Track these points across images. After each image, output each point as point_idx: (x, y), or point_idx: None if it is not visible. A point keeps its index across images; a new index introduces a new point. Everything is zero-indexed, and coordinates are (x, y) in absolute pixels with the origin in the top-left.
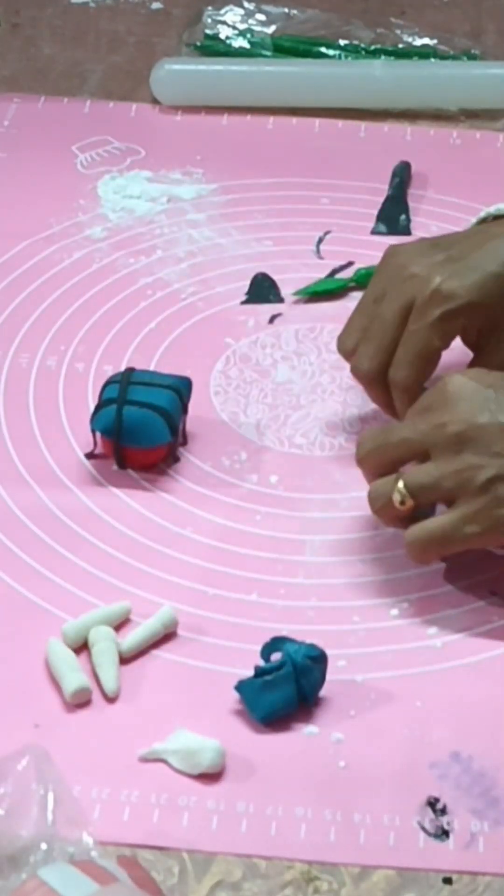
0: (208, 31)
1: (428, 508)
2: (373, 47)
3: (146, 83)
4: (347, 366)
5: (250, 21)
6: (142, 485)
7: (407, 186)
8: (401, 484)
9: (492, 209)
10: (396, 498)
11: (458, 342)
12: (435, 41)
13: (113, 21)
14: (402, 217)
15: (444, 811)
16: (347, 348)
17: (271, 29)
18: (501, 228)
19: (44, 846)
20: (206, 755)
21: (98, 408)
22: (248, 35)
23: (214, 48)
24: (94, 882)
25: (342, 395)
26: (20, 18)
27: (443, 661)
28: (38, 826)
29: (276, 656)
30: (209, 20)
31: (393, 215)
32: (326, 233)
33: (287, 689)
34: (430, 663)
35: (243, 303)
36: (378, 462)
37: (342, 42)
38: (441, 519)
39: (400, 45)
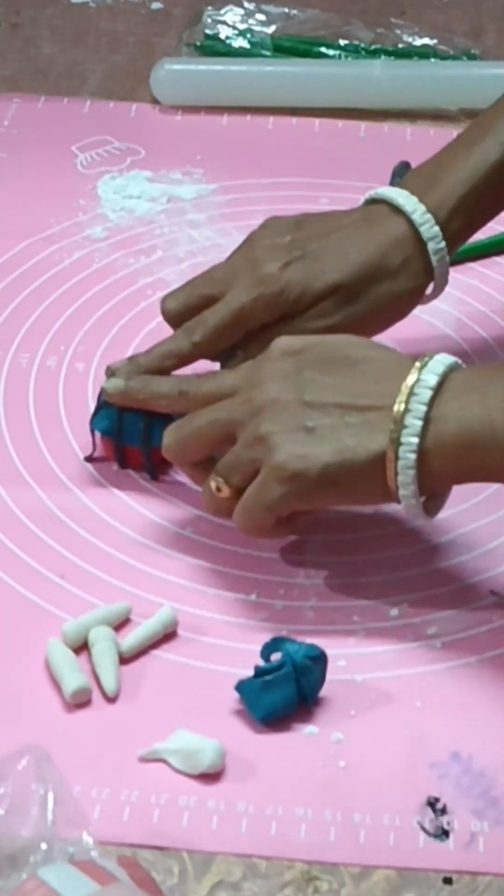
0: (208, 31)
1: None
2: (373, 47)
3: (146, 83)
4: None
5: (250, 21)
6: (142, 485)
7: None
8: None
9: (376, 192)
10: (213, 485)
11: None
12: (435, 41)
13: (113, 21)
14: None
15: (444, 811)
16: (170, 309)
17: (271, 29)
18: (355, 216)
19: (44, 846)
20: (206, 755)
21: (98, 408)
22: (248, 35)
23: (214, 48)
24: (94, 882)
25: None
26: (20, 18)
27: (443, 661)
28: (38, 826)
29: (276, 656)
30: (209, 20)
31: None
32: None
33: (287, 689)
34: (430, 663)
35: None
36: (185, 448)
37: (342, 42)
38: (250, 487)
39: (400, 45)
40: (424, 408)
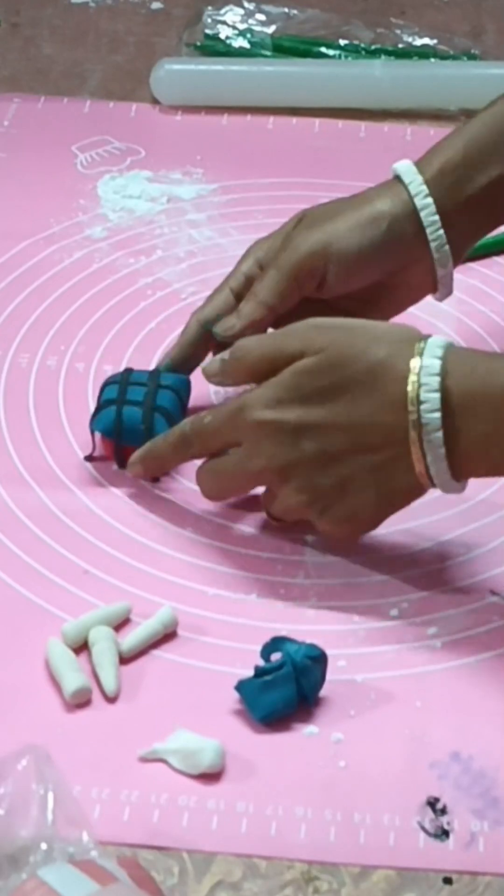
0: (208, 31)
1: None
2: (373, 47)
3: (146, 83)
4: None
5: (250, 21)
6: (142, 485)
7: None
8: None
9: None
10: (273, 521)
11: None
12: (435, 41)
13: (113, 21)
14: None
15: (444, 811)
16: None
17: (271, 29)
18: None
19: (44, 846)
20: (206, 755)
21: (98, 408)
22: (248, 35)
23: (214, 48)
24: (94, 882)
25: None
26: (20, 18)
27: (443, 661)
28: (38, 826)
29: (276, 656)
30: (209, 20)
31: None
32: None
33: (287, 689)
34: (430, 663)
35: None
36: (223, 494)
37: (342, 42)
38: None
39: (400, 45)
40: (440, 434)
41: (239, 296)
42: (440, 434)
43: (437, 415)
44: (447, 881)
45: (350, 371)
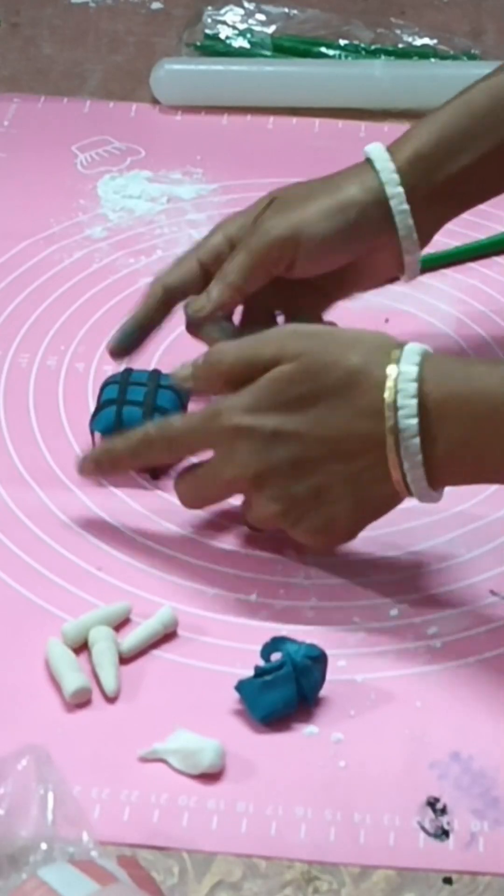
0: (208, 31)
1: None
2: (373, 47)
3: (146, 83)
4: None
5: (250, 21)
6: (142, 485)
7: None
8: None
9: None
10: (247, 529)
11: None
12: (435, 41)
13: (113, 21)
14: None
15: (444, 811)
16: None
17: (271, 29)
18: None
19: (44, 846)
20: (206, 755)
21: (98, 408)
22: (248, 35)
23: (214, 48)
24: (94, 882)
25: None
26: (20, 18)
27: (443, 661)
28: (38, 826)
29: (276, 656)
30: (209, 20)
31: None
32: None
33: (287, 689)
34: (430, 663)
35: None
36: (201, 503)
37: (342, 42)
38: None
39: (400, 45)
40: (417, 440)
41: (205, 268)
42: (417, 440)
43: (415, 420)
44: (447, 881)
45: (326, 379)
